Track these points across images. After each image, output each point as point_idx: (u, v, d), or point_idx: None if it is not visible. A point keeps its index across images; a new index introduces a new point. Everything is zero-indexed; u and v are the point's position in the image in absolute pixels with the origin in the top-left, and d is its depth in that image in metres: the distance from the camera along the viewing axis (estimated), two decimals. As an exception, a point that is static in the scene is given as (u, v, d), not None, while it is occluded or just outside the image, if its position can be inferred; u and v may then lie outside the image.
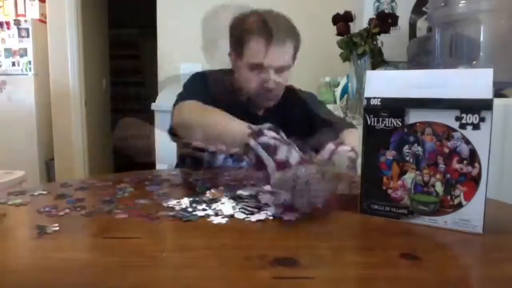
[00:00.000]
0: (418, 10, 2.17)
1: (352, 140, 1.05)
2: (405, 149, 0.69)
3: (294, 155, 0.73)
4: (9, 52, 3.37)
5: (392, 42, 2.03)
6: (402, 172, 0.70)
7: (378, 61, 1.90)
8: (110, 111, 4.68)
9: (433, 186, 0.67)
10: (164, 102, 2.01)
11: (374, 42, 1.81)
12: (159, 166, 2.08)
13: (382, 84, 0.72)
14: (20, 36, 3.36)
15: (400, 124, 0.69)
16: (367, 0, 2.17)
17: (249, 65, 1.10)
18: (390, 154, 0.71)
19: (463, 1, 1.51)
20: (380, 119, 0.71)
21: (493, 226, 0.66)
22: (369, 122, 0.72)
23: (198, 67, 2.58)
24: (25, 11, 3.46)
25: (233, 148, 0.83)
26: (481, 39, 1.47)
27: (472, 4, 1.48)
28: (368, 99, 0.72)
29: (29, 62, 3.38)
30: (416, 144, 0.68)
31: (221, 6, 1.14)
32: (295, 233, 0.65)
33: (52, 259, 0.55)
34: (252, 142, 0.75)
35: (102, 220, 0.70)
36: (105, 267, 0.53)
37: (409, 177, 0.69)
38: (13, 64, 3.37)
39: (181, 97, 1.10)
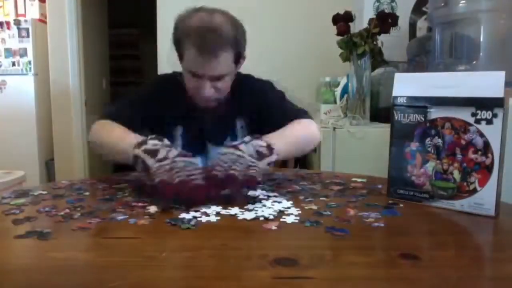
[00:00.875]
0: (418, 10, 2.17)
1: (291, 131, 1.07)
2: (427, 141, 0.80)
3: (173, 153, 0.81)
4: (9, 52, 3.37)
5: (392, 42, 2.03)
6: (424, 161, 0.80)
7: (378, 61, 1.89)
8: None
9: (451, 173, 0.77)
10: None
11: (374, 42, 1.81)
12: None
13: (408, 84, 0.83)
14: (20, 36, 3.36)
15: (423, 119, 0.80)
16: (367, 0, 2.17)
17: (186, 70, 1.10)
18: (414, 145, 0.82)
19: (463, 1, 1.51)
20: (406, 114, 0.82)
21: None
22: (396, 118, 0.84)
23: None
24: (25, 11, 3.46)
25: (125, 158, 0.89)
26: (481, 39, 1.47)
27: (472, 4, 1.48)
28: (396, 97, 0.84)
29: (29, 62, 3.37)
30: (437, 137, 0.78)
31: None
32: (297, 234, 0.65)
33: (52, 259, 0.55)
34: (136, 151, 0.83)
35: (102, 220, 0.70)
36: (105, 267, 0.53)
37: (430, 166, 0.80)
38: (13, 64, 3.37)
39: (110, 109, 1.17)
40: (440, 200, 0.79)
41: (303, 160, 2.01)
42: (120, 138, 0.96)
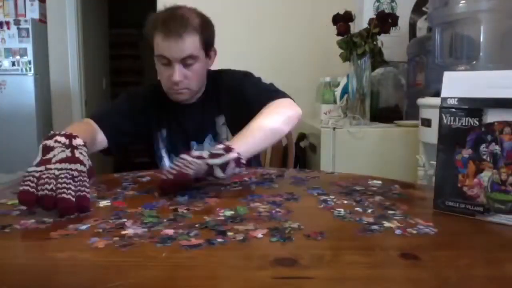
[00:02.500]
0: (418, 10, 2.17)
1: (263, 118, 1.07)
2: (482, 147, 0.71)
3: (58, 157, 0.77)
4: (9, 52, 3.37)
5: (392, 42, 2.03)
6: (479, 170, 0.71)
7: (378, 61, 1.90)
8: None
9: (511, 185, 0.69)
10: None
11: (374, 42, 1.81)
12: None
13: (459, 84, 0.75)
14: (20, 36, 3.36)
15: (477, 123, 0.71)
16: (367, 0, 2.17)
17: (157, 59, 1.16)
18: (466, 152, 0.73)
19: (463, 1, 1.51)
20: (457, 118, 0.74)
21: None
22: (445, 121, 0.75)
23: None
24: (25, 11, 3.47)
25: None
26: (481, 39, 1.47)
27: (472, 4, 1.48)
28: (445, 98, 0.75)
29: (29, 62, 3.38)
30: (494, 143, 0.70)
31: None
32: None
33: (52, 259, 0.55)
34: (42, 142, 0.83)
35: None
36: (105, 267, 0.53)
37: (486, 176, 0.71)
38: (13, 64, 3.38)
39: (95, 111, 1.29)
40: (497, 214, 0.70)
41: (303, 160, 2.01)
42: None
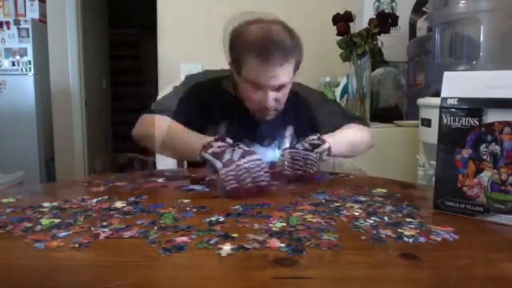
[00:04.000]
0: (418, 10, 2.17)
1: (344, 132, 1.13)
2: (482, 147, 0.71)
3: (237, 153, 0.87)
4: (9, 52, 3.37)
5: (392, 42, 2.03)
6: (479, 170, 0.71)
7: (378, 61, 1.90)
8: (110, 111, 4.68)
9: (511, 185, 0.69)
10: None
11: (374, 42, 1.81)
12: (159, 166, 2.08)
13: (459, 84, 0.75)
14: (20, 36, 3.36)
15: (477, 123, 0.71)
16: (367, 0, 2.17)
17: (247, 81, 1.09)
18: (466, 152, 0.73)
19: (463, 1, 1.51)
20: (457, 118, 0.74)
21: None
22: (445, 121, 0.75)
23: (198, 68, 2.58)
24: (25, 11, 3.47)
25: (192, 158, 0.97)
26: (481, 39, 1.47)
27: (472, 4, 1.48)
28: (445, 98, 0.75)
29: (29, 62, 3.38)
30: (494, 143, 0.69)
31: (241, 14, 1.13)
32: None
33: (52, 259, 0.55)
34: (204, 154, 0.89)
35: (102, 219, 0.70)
36: (105, 267, 0.53)
37: (486, 176, 0.71)
38: (13, 64, 3.38)
39: (159, 104, 1.20)
40: (497, 214, 0.70)
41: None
42: (184, 138, 1.02)
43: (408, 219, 0.71)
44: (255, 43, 1.03)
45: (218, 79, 1.25)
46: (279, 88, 1.08)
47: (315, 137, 0.99)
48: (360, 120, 1.25)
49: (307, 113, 1.24)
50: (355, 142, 1.15)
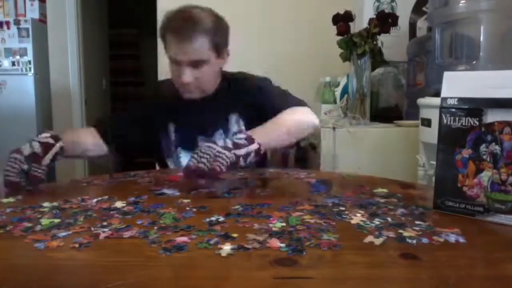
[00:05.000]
0: (418, 10, 2.17)
1: (281, 120, 1.10)
2: (482, 147, 0.71)
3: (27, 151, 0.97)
4: (9, 52, 3.37)
5: (392, 42, 2.03)
6: (479, 170, 0.71)
7: (378, 61, 1.90)
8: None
9: (511, 185, 0.68)
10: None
11: (374, 42, 1.81)
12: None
13: (459, 84, 0.75)
14: (20, 36, 3.36)
15: (477, 123, 0.71)
16: (367, 0, 2.17)
17: (169, 59, 1.17)
18: (466, 153, 0.73)
19: (463, 1, 1.51)
20: (457, 118, 0.74)
21: None
22: (445, 121, 0.75)
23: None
24: (25, 11, 3.46)
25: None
26: (481, 39, 1.47)
27: (472, 4, 1.48)
28: (445, 98, 0.75)
29: (29, 62, 3.38)
30: (494, 143, 0.69)
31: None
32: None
33: (52, 259, 0.55)
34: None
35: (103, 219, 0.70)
36: (105, 267, 0.53)
37: (486, 176, 0.71)
38: (13, 64, 3.37)
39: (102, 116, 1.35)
40: (497, 214, 0.70)
41: (304, 160, 2.01)
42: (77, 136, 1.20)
43: (417, 222, 0.70)
44: (171, 20, 1.14)
45: (164, 80, 1.36)
46: (195, 64, 1.13)
47: (242, 136, 0.93)
48: (302, 103, 1.22)
49: (251, 99, 1.23)
50: (291, 129, 1.10)
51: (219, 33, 1.16)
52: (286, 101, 1.19)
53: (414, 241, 0.61)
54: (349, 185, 1.01)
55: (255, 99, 1.22)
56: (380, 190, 0.92)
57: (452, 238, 0.63)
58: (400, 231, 0.65)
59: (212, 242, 0.60)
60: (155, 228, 0.65)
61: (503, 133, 0.68)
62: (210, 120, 1.23)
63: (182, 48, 1.11)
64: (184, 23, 1.11)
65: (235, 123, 1.25)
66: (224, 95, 1.24)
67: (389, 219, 0.71)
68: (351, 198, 0.84)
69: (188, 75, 1.13)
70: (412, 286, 0.51)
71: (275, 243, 0.59)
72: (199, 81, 1.16)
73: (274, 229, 0.65)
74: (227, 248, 0.57)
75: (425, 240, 0.62)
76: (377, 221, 0.70)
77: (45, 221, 0.69)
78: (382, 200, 0.83)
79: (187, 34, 1.10)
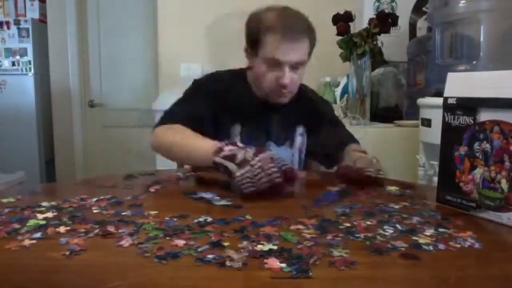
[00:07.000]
0: (418, 10, 2.17)
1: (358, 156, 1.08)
2: (476, 145, 0.73)
3: (249, 154, 0.86)
4: (9, 52, 3.37)
5: (392, 42, 2.03)
6: (473, 167, 0.74)
7: (378, 61, 1.90)
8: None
9: (499, 182, 0.70)
10: (165, 102, 2.01)
11: (374, 42, 1.81)
12: (159, 167, 2.08)
13: (459, 84, 0.78)
14: (20, 36, 3.36)
15: (472, 121, 0.74)
16: (367, 0, 2.17)
17: (264, 60, 1.11)
18: (462, 150, 0.76)
19: (463, 1, 1.51)
20: (456, 116, 0.77)
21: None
22: (446, 119, 0.79)
23: (197, 68, 2.58)
24: (25, 11, 3.46)
25: (204, 164, 0.96)
26: (481, 39, 1.47)
27: (472, 4, 1.48)
28: (446, 98, 0.79)
29: (29, 62, 3.37)
30: (485, 141, 0.72)
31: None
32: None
33: (52, 259, 0.55)
34: (216, 159, 0.89)
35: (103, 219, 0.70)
36: (105, 267, 0.53)
37: (478, 172, 0.73)
38: (13, 64, 3.37)
39: (169, 112, 1.17)
40: (486, 211, 0.72)
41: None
42: (194, 145, 1.01)
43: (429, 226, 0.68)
44: (276, 20, 1.08)
45: (230, 72, 1.27)
46: (295, 66, 1.10)
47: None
48: (355, 140, 1.25)
49: (313, 117, 1.24)
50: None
51: (313, 36, 1.14)
52: (349, 134, 1.27)
53: (431, 247, 0.59)
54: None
55: (318, 117, 1.25)
56: (390, 188, 0.94)
57: (468, 244, 0.62)
58: (415, 238, 0.63)
59: (200, 250, 0.57)
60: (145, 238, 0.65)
61: (493, 131, 0.70)
62: (282, 128, 1.22)
63: (289, 48, 1.07)
64: (293, 22, 1.08)
65: (299, 135, 1.24)
66: (295, 104, 1.21)
67: (398, 226, 0.68)
68: (362, 205, 0.80)
69: (288, 76, 1.09)
70: (412, 286, 0.51)
71: (274, 263, 0.53)
72: (294, 84, 1.13)
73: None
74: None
75: (441, 247, 0.60)
76: (390, 230, 0.66)
77: (31, 222, 0.68)
78: (396, 206, 0.79)
79: (295, 34, 1.07)
